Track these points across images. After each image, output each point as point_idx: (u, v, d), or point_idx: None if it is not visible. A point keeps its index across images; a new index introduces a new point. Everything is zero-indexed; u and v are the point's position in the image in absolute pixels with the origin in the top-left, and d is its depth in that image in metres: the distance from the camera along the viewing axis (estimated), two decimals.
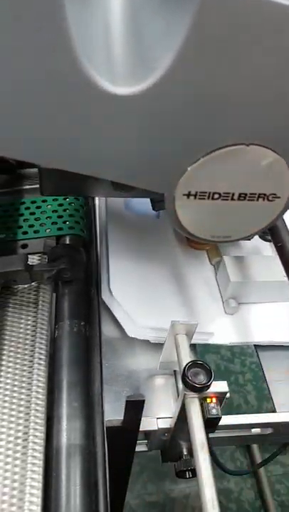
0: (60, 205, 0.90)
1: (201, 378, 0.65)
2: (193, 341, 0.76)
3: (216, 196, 0.54)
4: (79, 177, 0.72)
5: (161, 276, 0.88)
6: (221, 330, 0.84)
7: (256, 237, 0.94)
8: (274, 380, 0.82)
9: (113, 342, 0.81)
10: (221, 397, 0.67)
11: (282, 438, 0.83)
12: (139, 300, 0.83)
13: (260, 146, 0.50)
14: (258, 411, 2.02)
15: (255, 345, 0.85)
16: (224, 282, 0.87)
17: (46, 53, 0.42)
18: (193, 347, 0.82)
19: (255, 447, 1.96)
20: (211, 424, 0.66)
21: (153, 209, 0.84)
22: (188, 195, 0.53)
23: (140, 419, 0.68)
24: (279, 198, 0.55)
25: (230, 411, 2.03)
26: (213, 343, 0.83)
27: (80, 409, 0.66)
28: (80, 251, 0.79)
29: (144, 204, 0.96)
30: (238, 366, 2.21)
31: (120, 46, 0.48)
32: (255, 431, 0.79)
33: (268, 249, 0.95)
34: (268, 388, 0.81)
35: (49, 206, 0.90)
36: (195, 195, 0.53)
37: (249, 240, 0.91)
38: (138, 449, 0.78)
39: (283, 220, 0.73)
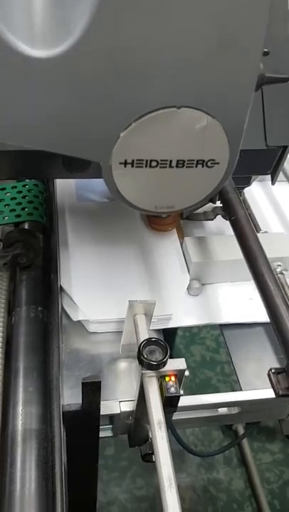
0: (19, 192, 0.89)
1: (157, 356, 0.64)
2: (153, 327, 0.75)
3: (154, 164, 0.52)
4: (30, 160, 0.71)
5: (124, 260, 0.87)
6: (184, 312, 0.83)
7: (219, 217, 0.94)
8: (239, 359, 0.81)
9: (75, 327, 0.80)
10: (179, 375, 0.66)
11: (251, 417, 0.82)
12: (100, 286, 0.82)
13: (191, 108, 0.48)
14: None
15: (220, 325, 0.85)
16: (188, 263, 0.87)
17: None
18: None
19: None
20: (170, 402, 0.64)
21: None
22: (125, 163, 0.52)
23: (99, 401, 0.67)
24: (218, 164, 0.53)
25: None
26: (176, 327, 0.82)
27: (36, 394, 0.65)
28: (36, 236, 0.77)
29: (95, 192, 0.96)
30: (224, 356, 2.20)
31: (40, 8, 0.46)
32: (223, 410, 0.78)
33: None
34: (234, 367, 0.80)
35: (8, 194, 0.88)
36: (132, 164, 0.52)
37: (211, 218, 0.90)
38: (104, 434, 0.77)
39: (237, 193, 0.72)
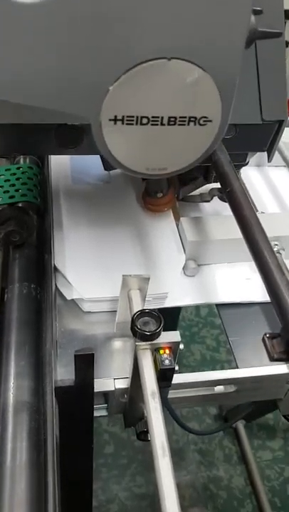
0: (13, 174, 0.88)
1: (151, 327, 0.63)
2: (148, 306, 0.74)
3: (145, 121, 0.51)
4: (22, 134, 0.70)
5: (119, 241, 0.86)
6: (180, 292, 0.82)
7: (216, 199, 0.93)
8: (235, 337, 0.80)
9: (69, 308, 0.79)
10: (174, 347, 0.65)
11: (248, 396, 0.81)
12: (95, 266, 0.81)
13: (182, 60, 0.47)
14: None
15: (217, 305, 0.84)
16: (184, 243, 0.86)
17: None
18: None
19: (243, 435, 1.94)
20: (165, 376, 0.63)
21: (105, 169, 0.83)
22: (115, 120, 0.51)
23: (93, 375, 0.66)
24: (211, 121, 0.52)
25: None
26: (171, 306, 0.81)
27: (28, 369, 0.64)
28: (29, 213, 0.77)
29: (91, 176, 0.95)
30: (224, 355, 2.19)
31: None
32: (219, 389, 0.76)
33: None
34: (230, 345, 0.79)
35: (2, 176, 0.88)
36: (122, 120, 0.51)
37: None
38: (99, 413, 0.75)
39: (233, 166, 0.72)
